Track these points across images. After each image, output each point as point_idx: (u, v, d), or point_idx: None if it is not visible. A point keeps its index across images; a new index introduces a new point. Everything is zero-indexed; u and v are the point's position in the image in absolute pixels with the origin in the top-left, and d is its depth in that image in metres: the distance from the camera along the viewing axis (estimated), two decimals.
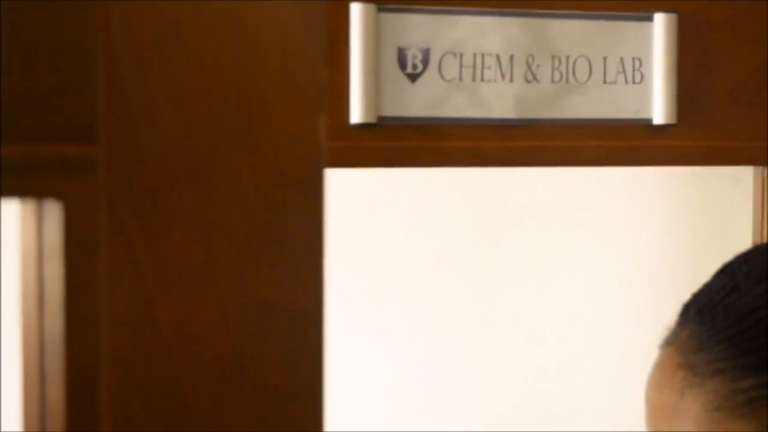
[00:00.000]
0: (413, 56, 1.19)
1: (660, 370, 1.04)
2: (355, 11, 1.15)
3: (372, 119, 1.16)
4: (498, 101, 1.22)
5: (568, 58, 1.24)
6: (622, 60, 1.27)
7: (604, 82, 1.27)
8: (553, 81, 1.24)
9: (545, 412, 1.84)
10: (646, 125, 1.31)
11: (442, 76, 1.20)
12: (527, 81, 1.23)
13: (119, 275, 0.67)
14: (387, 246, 1.77)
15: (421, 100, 1.20)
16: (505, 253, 1.85)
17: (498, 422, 1.87)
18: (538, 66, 1.23)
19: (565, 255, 1.82)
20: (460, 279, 1.86)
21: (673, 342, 1.04)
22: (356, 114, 1.16)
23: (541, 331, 1.83)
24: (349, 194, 1.60)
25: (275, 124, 0.70)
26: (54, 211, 0.64)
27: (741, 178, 1.41)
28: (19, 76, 0.60)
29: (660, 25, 1.27)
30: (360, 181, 1.57)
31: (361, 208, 1.67)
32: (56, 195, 0.64)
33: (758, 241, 1.38)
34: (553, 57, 1.24)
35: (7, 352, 0.91)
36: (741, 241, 1.32)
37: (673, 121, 1.31)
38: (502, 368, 1.87)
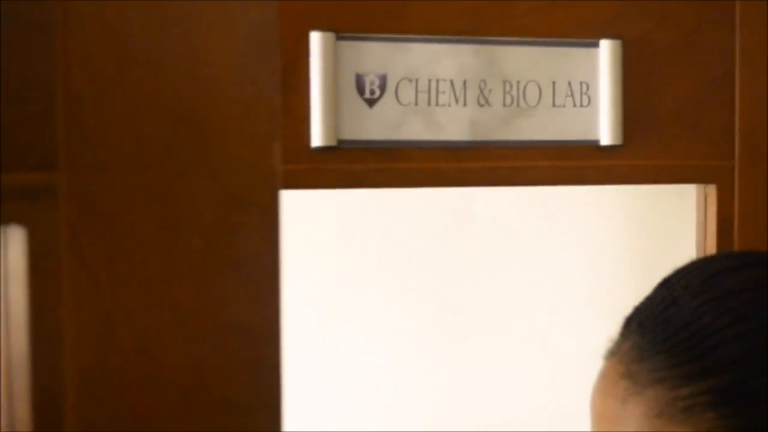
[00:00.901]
0: (371, 82, 1.19)
1: (604, 380, 1.05)
2: (315, 39, 1.16)
3: (332, 143, 1.17)
4: (452, 124, 1.23)
5: (518, 82, 1.25)
6: (569, 84, 1.27)
7: (553, 105, 1.27)
8: (504, 105, 1.25)
9: (502, 415, 1.83)
10: (593, 146, 1.31)
11: (398, 101, 1.20)
12: (480, 105, 1.24)
13: (81, 296, 0.67)
14: (352, 261, 1.78)
15: (379, 124, 1.20)
16: (465, 268, 1.85)
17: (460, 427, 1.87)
18: (490, 90, 1.24)
19: (523, 268, 1.82)
20: (421, 294, 1.86)
21: (616, 353, 1.04)
22: (317, 138, 1.16)
23: (499, 341, 1.83)
24: (314, 214, 1.61)
25: (231, 150, 0.70)
26: (17, 236, 0.65)
27: (685, 195, 1.42)
28: None
29: (605, 50, 1.28)
30: (324, 201, 1.58)
31: (325, 228, 1.68)
32: (18, 221, 0.64)
33: (701, 255, 1.39)
34: (504, 82, 1.24)
35: None
36: (686, 255, 1.33)
37: (619, 142, 1.32)
38: (464, 378, 1.86)
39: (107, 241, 0.67)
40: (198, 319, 0.72)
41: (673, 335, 1.01)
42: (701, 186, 1.41)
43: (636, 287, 1.08)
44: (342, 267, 1.74)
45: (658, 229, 1.65)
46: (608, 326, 1.08)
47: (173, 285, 0.71)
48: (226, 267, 0.74)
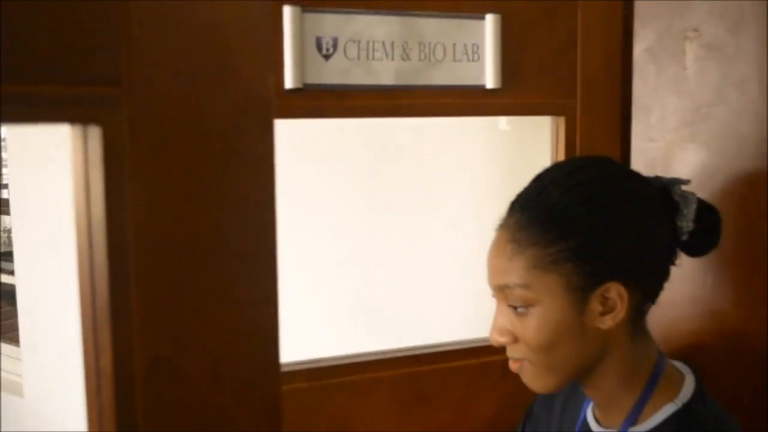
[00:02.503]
0: (326, 42, 1.19)
1: (496, 245, 1.06)
2: (287, 11, 1.15)
3: (299, 85, 1.17)
4: (384, 73, 1.23)
5: (430, 44, 1.24)
6: (465, 45, 1.27)
7: (454, 60, 1.27)
8: (420, 59, 1.25)
9: (421, 285, 1.84)
10: (481, 89, 1.31)
11: (346, 56, 1.20)
12: (403, 59, 1.24)
13: (137, 176, 0.67)
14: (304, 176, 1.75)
15: (333, 73, 1.20)
16: (387, 180, 1.84)
17: (377, 301, 1.88)
18: (410, 49, 1.24)
19: (430, 182, 1.81)
20: (353, 200, 1.85)
21: (504, 226, 1.05)
22: (288, 81, 1.16)
23: (412, 234, 1.83)
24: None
25: (239, 77, 0.71)
26: (95, 134, 0.65)
27: (544, 126, 1.43)
28: (69, 37, 0.60)
29: (490, 22, 1.27)
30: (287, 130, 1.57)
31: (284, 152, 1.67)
32: (96, 122, 0.65)
33: None
34: (419, 43, 1.24)
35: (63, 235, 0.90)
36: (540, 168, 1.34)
37: (499, 86, 1.31)
38: (385, 264, 1.87)
39: (153, 138, 0.67)
40: (214, 198, 0.73)
41: (543, 212, 1.03)
42: (554, 118, 1.41)
43: (512, 192, 1.09)
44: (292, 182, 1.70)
45: (526, 153, 1.65)
46: (490, 218, 1.10)
47: (195, 168, 0.71)
48: (234, 157, 0.74)
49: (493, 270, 1.06)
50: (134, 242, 0.67)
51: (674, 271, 1.34)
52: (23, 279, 2.87)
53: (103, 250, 0.66)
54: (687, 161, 1.35)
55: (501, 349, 1.11)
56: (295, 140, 1.69)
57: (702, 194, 1.13)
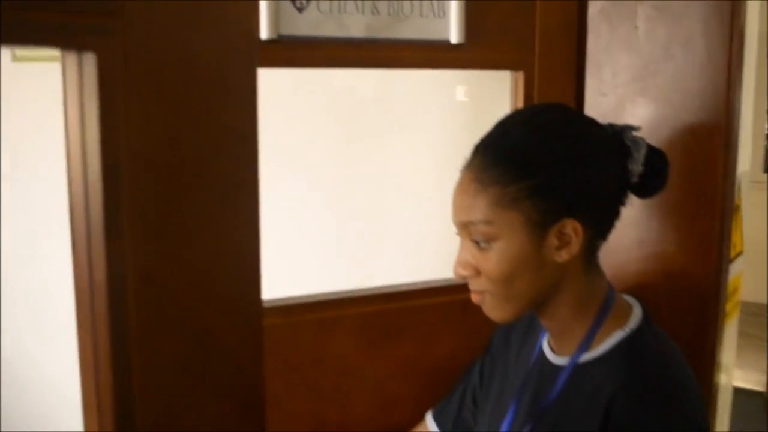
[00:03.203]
0: None
1: (461, 184, 1.06)
2: None
3: (274, 36, 1.16)
4: (354, 26, 1.22)
5: (398, 1, 1.25)
6: (431, 3, 1.27)
7: (421, 16, 1.27)
8: (389, 14, 1.24)
9: (390, 228, 1.85)
10: (446, 44, 1.31)
11: (319, 10, 1.20)
12: (372, 14, 1.23)
13: (129, 100, 0.68)
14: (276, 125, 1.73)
15: (306, 25, 1.19)
16: (354, 131, 1.83)
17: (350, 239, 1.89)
18: (380, 4, 1.23)
19: (396, 131, 1.81)
20: (320, 147, 1.85)
21: (469, 166, 1.06)
22: (264, 32, 1.15)
23: (382, 184, 1.83)
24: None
25: (227, 17, 0.71)
26: (90, 60, 0.66)
27: (501, 98, 1.44)
28: None
29: None
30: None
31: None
32: (91, 49, 0.65)
33: None
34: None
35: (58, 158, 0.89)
36: None
37: (462, 41, 1.31)
38: (358, 210, 1.87)
39: (145, 67, 0.68)
40: (197, 128, 0.74)
41: (505, 153, 1.04)
42: (513, 77, 1.41)
43: (469, 142, 1.10)
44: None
45: (488, 105, 1.64)
46: (451, 163, 1.11)
47: (185, 96, 0.72)
48: (220, 89, 0.76)
49: (458, 208, 1.06)
50: (126, 165, 0.68)
51: (624, 216, 1.36)
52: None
53: (98, 172, 0.67)
54: (636, 114, 1.36)
55: (463, 288, 1.12)
56: (276, 97, 1.69)
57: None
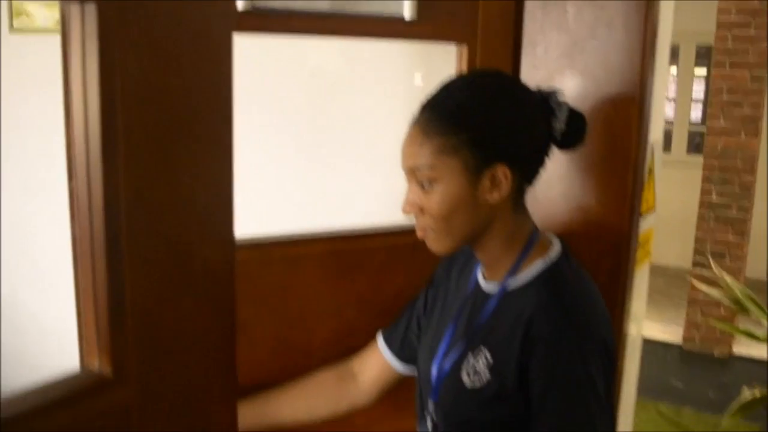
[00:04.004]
0: None
1: (409, 136, 1.10)
2: None
3: (249, 8, 1.17)
4: (321, 3, 1.25)
5: None
6: None
7: None
8: None
9: (346, 176, 1.85)
10: (400, 19, 1.32)
11: None
12: None
13: (125, 48, 0.71)
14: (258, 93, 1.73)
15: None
16: (323, 97, 1.83)
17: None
18: None
19: (359, 101, 1.83)
20: (291, 114, 1.85)
21: (416, 121, 1.09)
22: (241, 5, 1.17)
23: (343, 135, 1.84)
24: None
25: None
26: (91, 10, 0.68)
27: (452, 51, 1.45)
28: None
29: None
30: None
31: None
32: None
33: None
34: None
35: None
36: None
37: (415, 18, 1.33)
38: (321, 155, 1.88)
39: (139, 23, 0.71)
40: (185, 75, 0.78)
41: (448, 109, 1.07)
42: (458, 47, 1.44)
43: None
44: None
45: (437, 74, 1.65)
46: (405, 125, 1.14)
47: (173, 44, 0.76)
48: (202, 50, 0.79)
49: (406, 155, 1.10)
50: (121, 103, 0.72)
51: (552, 174, 1.41)
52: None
53: (97, 108, 0.70)
54: (565, 85, 1.38)
55: (410, 232, 1.15)
56: (257, 69, 1.68)
57: None
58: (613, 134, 1.38)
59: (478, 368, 1.09)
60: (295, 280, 1.33)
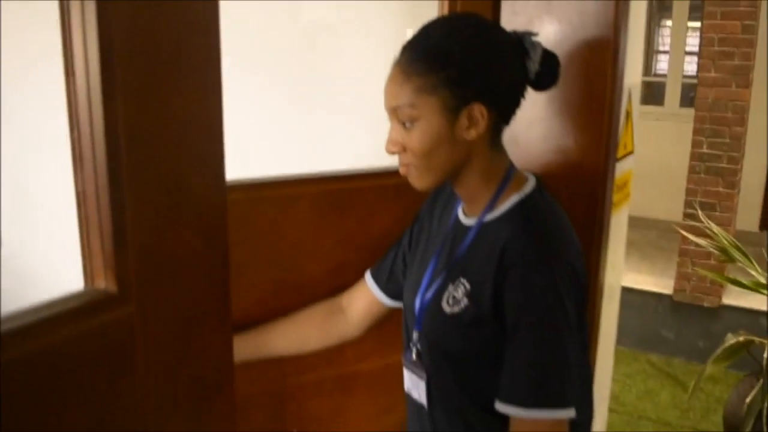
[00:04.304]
0: None
1: (391, 76, 1.15)
2: None
3: None
4: None
5: None
6: None
7: None
8: None
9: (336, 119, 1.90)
10: None
11: None
12: None
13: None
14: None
15: None
16: (315, 48, 1.88)
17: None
18: None
19: (350, 51, 1.88)
20: (286, 67, 1.89)
21: (397, 62, 1.14)
22: None
23: (333, 82, 1.86)
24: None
25: None
26: None
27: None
28: None
29: None
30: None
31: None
32: None
33: None
34: None
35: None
36: None
37: None
38: (311, 100, 1.90)
39: None
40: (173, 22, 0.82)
41: (427, 50, 1.12)
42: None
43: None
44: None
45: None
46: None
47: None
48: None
49: (388, 95, 1.15)
50: (118, 46, 0.77)
51: (531, 117, 1.47)
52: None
53: (96, 52, 0.76)
54: (543, 30, 1.43)
55: (395, 174, 1.21)
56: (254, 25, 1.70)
57: None
58: (589, 78, 1.43)
59: (457, 296, 1.16)
60: (287, 221, 1.38)
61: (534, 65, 1.16)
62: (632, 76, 1.58)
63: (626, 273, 5.44)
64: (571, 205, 1.37)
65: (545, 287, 1.08)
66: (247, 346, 1.32)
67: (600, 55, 1.41)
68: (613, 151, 1.49)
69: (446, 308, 1.17)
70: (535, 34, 1.18)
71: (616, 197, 1.60)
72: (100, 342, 0.76)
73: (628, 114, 1.63)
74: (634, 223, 6.30)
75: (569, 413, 1.08)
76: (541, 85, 1.20)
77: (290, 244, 1.40)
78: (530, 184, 1.19)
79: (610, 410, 3.84)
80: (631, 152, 1.72)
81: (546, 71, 1.18)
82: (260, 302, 1.40)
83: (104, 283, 0.79)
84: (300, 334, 1.39)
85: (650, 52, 7.21)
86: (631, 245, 5.91)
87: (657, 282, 5.20)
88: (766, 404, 2.59)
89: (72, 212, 0.86)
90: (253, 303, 1.38)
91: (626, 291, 5.12)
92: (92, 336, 0.75)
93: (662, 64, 6.87)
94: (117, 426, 0.76)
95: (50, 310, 0.73)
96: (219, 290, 0.94)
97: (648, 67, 7.23)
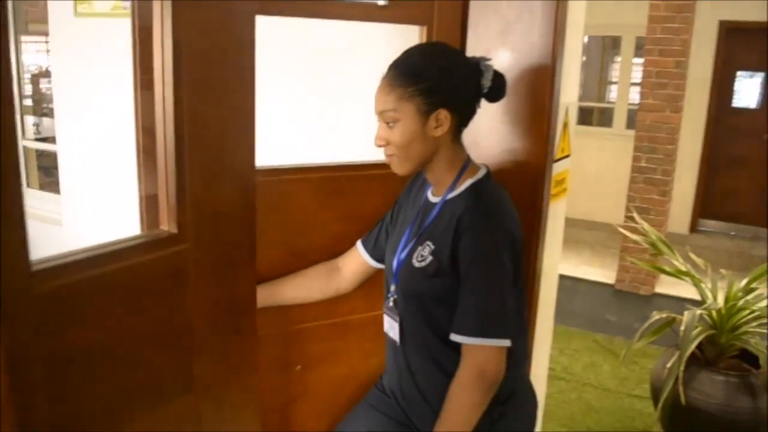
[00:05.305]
0: None
1: (380, 87, 1.26)
2: None
3: None
4: None
5: None
6: None
7: None
8: None
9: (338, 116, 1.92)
10: (375, 5, 1.46)
11: None
12: None
13: (184, 23, 0.89)
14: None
15: None
16: (324, 68, 1.93)
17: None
18: None
19: (352, 69, 1.91)
20: (300, 78, 1.94)
21: (385, 76, 1.25)
22: None
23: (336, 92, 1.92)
24: None
25: None
26: (167, 5, 0.85)
27: (416, 30, 1.54)
28: None
29: None
30: None
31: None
32: None
33: None
34: None
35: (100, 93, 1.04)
36: None
37: (386, 4, 1.46)
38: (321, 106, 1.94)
39: (194, 7, 0.89)
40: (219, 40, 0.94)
41: (406, 68, 1.23)
42: (420, 27, 1.56)
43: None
44: None
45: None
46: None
47: (215, 22, 0.93)
48: (232, 25, 0.96)
49: (377, 101, 1.26)
50: (186, 51, 0.89)
51: (489, 125, 1.58)
52: (63, 136, 2.77)
53: (170, 64, 0.90)
54: (499, 58, 1.54)
55: (383, 166, 1.31)
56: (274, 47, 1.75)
57: (508, 79, 1.35)
58: (534, 95, 1.55)
59: (424, 254, 1.28)
60: (297, 199, 1.48)
61: (487, 82, 1.28)
62: (569, 95, 1.70)
63: (578, 266, 5.61)
64: (518, 195, 1.47)
65: (489, 247, 1.20)
66: (263, 295, 1.42)
67: (542, 78, 1.53)
68: (551, 153, 1.60)
69: (416, 263, 1.29)
70: (489, 60, 1.30)
71: (554, 190, 1.72)
72: (167, 264, 0.91)
73: (566, 125, 1.76)
74: (586, 225, 6.48)
75: (505, 343, 1.20)
76: (492, 98, 1.32)
77: (299, 216, 1.49)
78: (482, 172, 1.32)
79: (561, 379, 3.99)
80: (567, 155, 1.84)
81: (496, 87, 1.30)
82: (276, 262, 1.48)
83: (168, 226, 0.95)
84: (305, 287, 1.49)
85: (603, 83, 7.35)
86: (583, 244, 6.09)
87: (603, 273, 5.36)
88: (681, 368, 2.60)
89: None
90: (271, 262, 1.46)
91: (578, 281, 5.30)
92: (163, 260, 0.90)
93: (613, 93, 7.02)
94: (178, 320, 0.91)
95: (135, 240, 0.88)
96: (248, 239, 1.07)
97: (601, 95, 7.37)
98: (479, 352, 1.19)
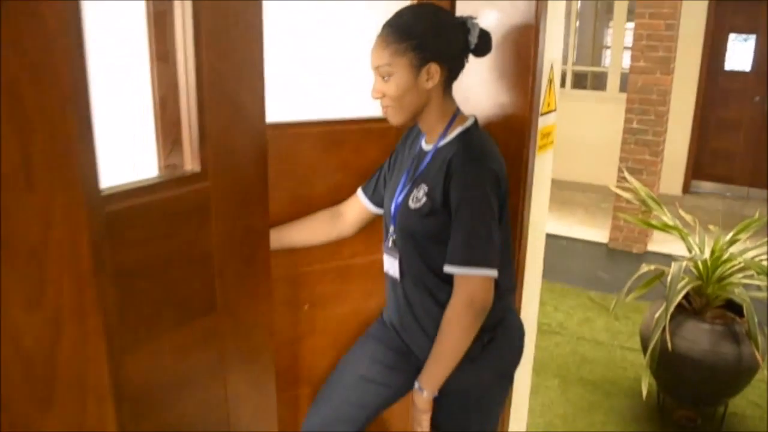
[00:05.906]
0: None
1: (375, 44, 1.34)
2: None
3: None
4: None
5: None
6: None
7: None
8: None
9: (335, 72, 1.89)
10: None
11: None
12: None
13: (204, 11, 0.98)
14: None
15: None
16: (322, 30, 1.92)
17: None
18: None
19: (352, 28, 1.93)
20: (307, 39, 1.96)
21: (380, 34, 1.34)
22: None
23: (340, 51, 1.89)
24: None
25: None
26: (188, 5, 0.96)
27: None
28: None
29: None
30: None
31: None
32: None
33: None
34: None
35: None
36: None
37: None
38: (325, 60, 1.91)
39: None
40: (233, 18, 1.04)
41: (400, 26, 1.32)
42: None
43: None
44: None
45: None
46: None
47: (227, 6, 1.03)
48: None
49: (373, 57, 1.35)
50: (204, 35, 1.00)
51: (478, 81, 1.66)
52: None
53: (192, 40, 1.01)
54: (485, 17, 1.61)
55: (380, 120, 1.39)
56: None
57: (493, 37, 1.42)
58: (519, 52, 1.64)
59: (419, 196, 1.39)
60: (301, 150, 1.57)
61: (473, 39, 1.38)
62: (553, 52, 1.78)
63: (572, 226, 5.74)
64: (506, 145, 1.57)
65: (476, 187, 1.30)
66: (272, 238, 1.50)
67: (526, 36, 1.61)
68: (536, 106, 1.70)
69: (412, 205, 1.40)
70: (475, 18, 1.39)
71: (541, 142, 1.81)
72: (191, 200, 1.02)
73: (551, 81, 1.85)
74: (581, 187, 6.60)
75: (492, 273, 1.31)
76: (478, 53, 1.41)
77: (303, 168, 1.58)
78: (470, 121, 1.43)
79: (556, 333, 4.14)
80: (554, 110, 1.92)
81: (482, 43, 1.40)
82: (284, 208, 1.57)
83: (192, 166, 1.07)
84: (310, 231, 1.60)
85: (597, 47, 7.41)
86: (578, 206, 6.22)
87: (597, 233, 5.49)
88: (668, 316, 2.68)
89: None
90: (279, 207, 1.55)
91: (572, 241, 5.44)
92: (188, 195, 1.02)
93: (608, 58, 7.09)
94: (200, 248, 1.03)
95: (165, 177, 1.01)
96: (261, 179, 1.17)
97: (595, 60, 7.43)
98: (469, 282, 1.31)
